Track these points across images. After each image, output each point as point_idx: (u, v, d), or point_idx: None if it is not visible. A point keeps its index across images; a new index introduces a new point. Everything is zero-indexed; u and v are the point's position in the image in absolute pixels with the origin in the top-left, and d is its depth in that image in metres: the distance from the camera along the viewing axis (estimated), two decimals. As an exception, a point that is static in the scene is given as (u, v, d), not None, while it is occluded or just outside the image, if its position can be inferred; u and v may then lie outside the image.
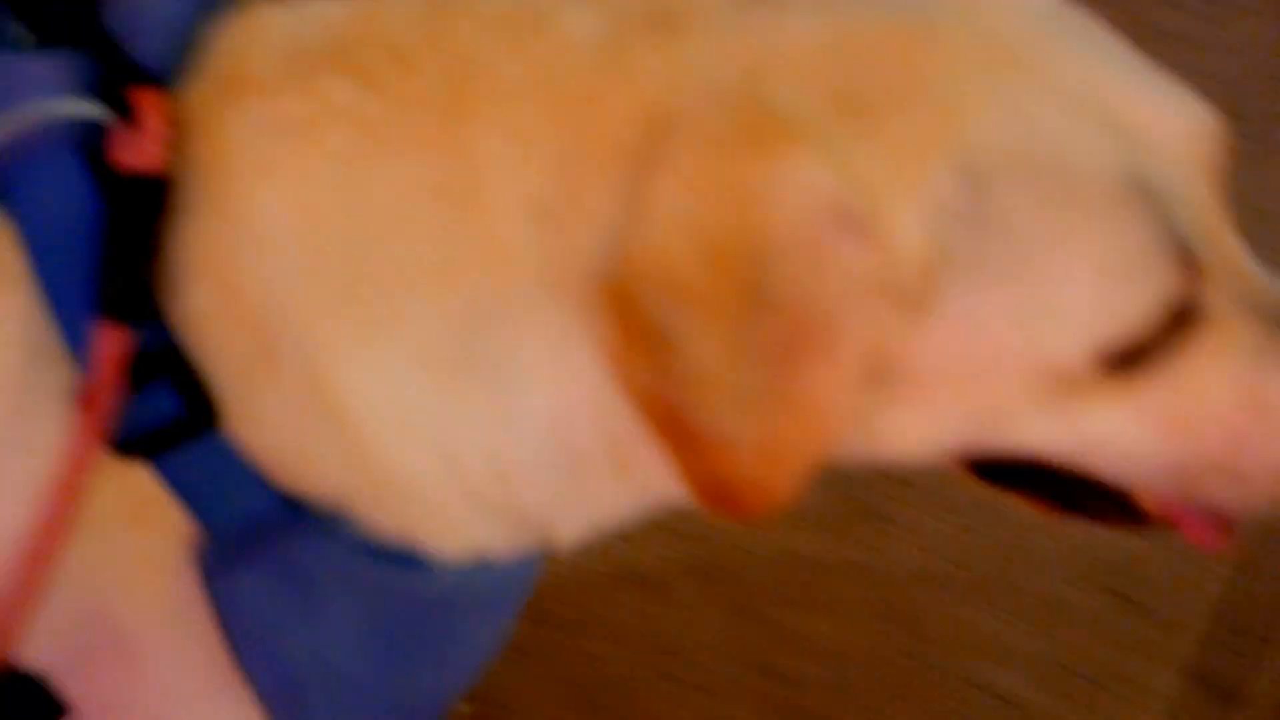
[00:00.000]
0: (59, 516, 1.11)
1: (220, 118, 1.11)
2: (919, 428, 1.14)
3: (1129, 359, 1.09)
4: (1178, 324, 1.10)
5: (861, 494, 2.41)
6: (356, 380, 1.12)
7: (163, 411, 1.10)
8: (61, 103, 1.10)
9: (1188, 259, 1.08)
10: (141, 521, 1.15)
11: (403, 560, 1.17)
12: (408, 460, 1.13)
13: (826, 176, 1.03)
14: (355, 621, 1.20)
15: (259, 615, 1.17)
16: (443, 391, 1.12)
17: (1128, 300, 1.08)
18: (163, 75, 1.12)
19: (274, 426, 1.12)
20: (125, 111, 1.10)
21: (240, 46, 1.14)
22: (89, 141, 1.09)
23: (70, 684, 1.18)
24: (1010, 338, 1.09)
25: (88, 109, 1.10)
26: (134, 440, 1.11)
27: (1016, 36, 1.09)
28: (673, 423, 1.07)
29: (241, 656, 1.17)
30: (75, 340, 1.09)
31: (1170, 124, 1.10)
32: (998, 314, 1.08)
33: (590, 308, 1.08)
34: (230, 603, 1.16)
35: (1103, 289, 1.08)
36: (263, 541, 1.15)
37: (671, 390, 1.06)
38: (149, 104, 1.10)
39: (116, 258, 1.08)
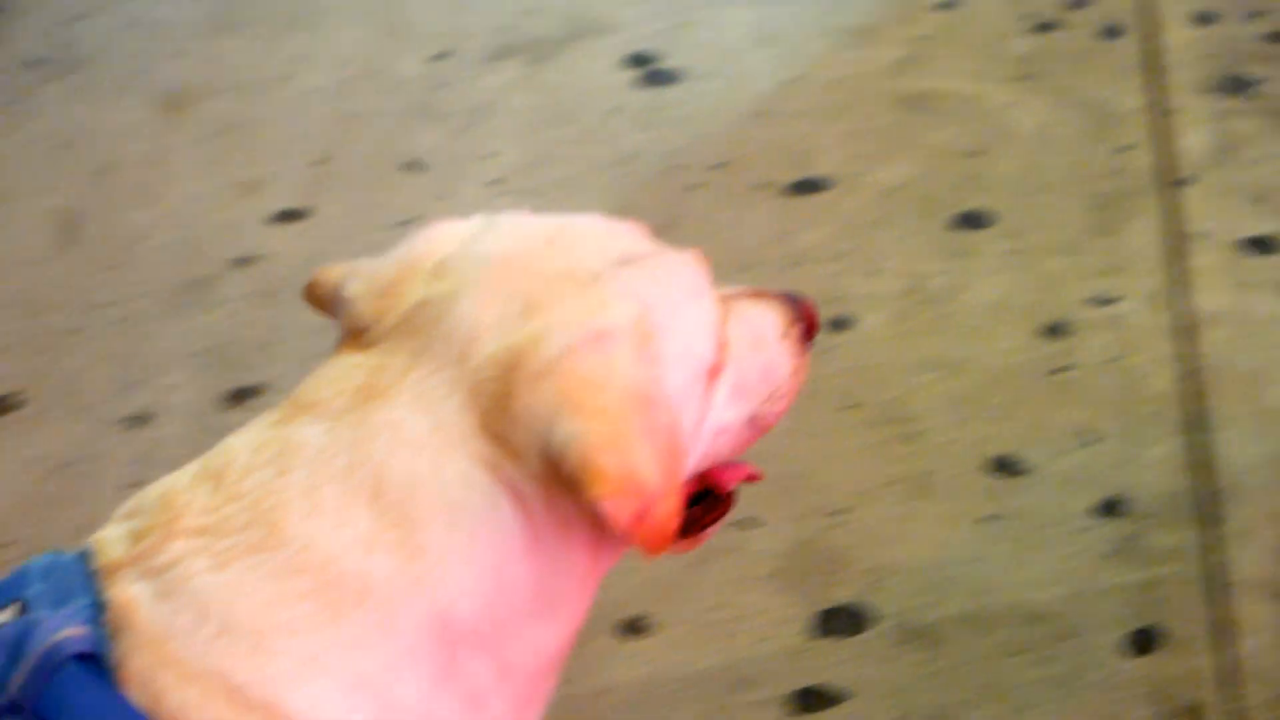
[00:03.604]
0: None
1: (119, 587, 1.43)
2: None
3: (721, 342, 1.56)
4: (723, 315, 1.58)
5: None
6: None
7: None
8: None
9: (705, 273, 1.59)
10: None
11: None
12: None
13: (572, 331, 1.43)
14: None
15: None
16: None
17: (707, 304, 1.55)
18: None
19: None
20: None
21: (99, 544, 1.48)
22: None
23: None
24: (688, 357, 1.51)
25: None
26: None
27: (555, 227, 1.56)
28: (648, 521, 1.40)
29: None
30: None
31: (629, 223, 1.60)
32: (677, 346, 1.50)
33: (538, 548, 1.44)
34: None
35: (697, 304, 1.54)
36: None
37: (647, 498, 1.40)
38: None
39: None
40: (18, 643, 1.42)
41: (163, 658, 1.41)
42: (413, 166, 3.32)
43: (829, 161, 3.22)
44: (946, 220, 3.07)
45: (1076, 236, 3.01)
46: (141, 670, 1.41)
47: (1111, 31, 3.45)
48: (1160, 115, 3.23)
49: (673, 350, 1.51)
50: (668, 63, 3.49)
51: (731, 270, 2.89)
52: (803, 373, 1.68)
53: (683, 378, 1.52)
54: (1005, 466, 2.64)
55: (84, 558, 1.48)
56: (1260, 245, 2.96)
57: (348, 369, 1.50)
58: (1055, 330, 2.85)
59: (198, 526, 1.45)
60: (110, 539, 1.49)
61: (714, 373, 1.56)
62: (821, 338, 1.77)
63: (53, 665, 1.40)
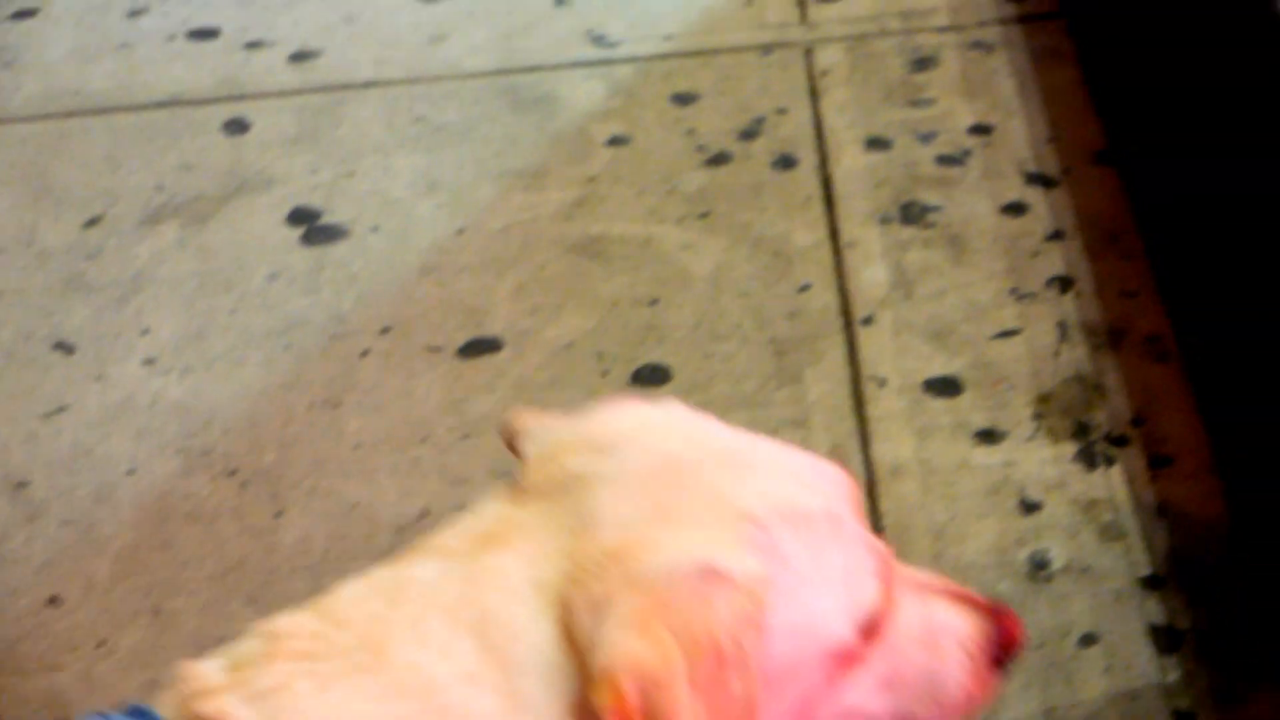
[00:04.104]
0: None
1: (214, 705, 1.41)
2: None
3: (873, 629, 1.53)
4: (886, 603, 1.55)
5: None
6: None
7: None
8: None
9: (880, 558, 1.56)
10: None
11: None
12: None
13: (687, 557, 1.42)
14: None
15: None
16: None
17: (863, 588, 1.53)
18: None
19: None
20: None
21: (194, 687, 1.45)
22: None
23: None
24: (808, 632, 1.49)
25: None
26: None
27: (744, 450, 1.57)
28: None
29: None
30: None
31: (836, 477, 1.58)
32: (797, 616, 1.47)
33: None
34: None
35: (849, 583, 1.52)
36: None
37: None
38: None
39: None
40: None
41: None
42: (63, 347, 3.12)
43: (500, 318, 3.10)
44: (624, 377, 2.96)
45: (758, 387, 2.92)
46: None
47: (786, 162, 3.37)
48: (836, 250, 3.16)
49: (786, 620, 1.48)
50: (331, 218, 3.35)
51: (409, 444, 2.78)
52: (983, 696, 1.65)
53: (792, 650, 1.50)
54: (690, 648, 2.52)
55: (160, 705, 1.48)
56: (941, 386, 2.89)
57: (480, 517, 1.55)
58: (741, 491, 2.75)
59: (302, 650, 1.46)
60: (203, 669, 1.48)
61: (849, 658, 1.54)
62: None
63: None
